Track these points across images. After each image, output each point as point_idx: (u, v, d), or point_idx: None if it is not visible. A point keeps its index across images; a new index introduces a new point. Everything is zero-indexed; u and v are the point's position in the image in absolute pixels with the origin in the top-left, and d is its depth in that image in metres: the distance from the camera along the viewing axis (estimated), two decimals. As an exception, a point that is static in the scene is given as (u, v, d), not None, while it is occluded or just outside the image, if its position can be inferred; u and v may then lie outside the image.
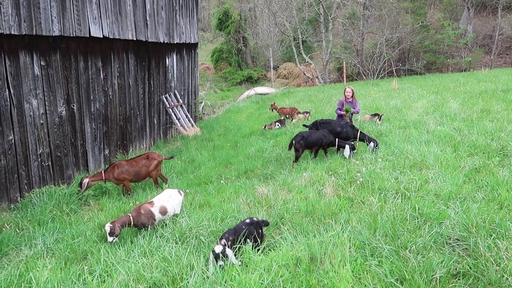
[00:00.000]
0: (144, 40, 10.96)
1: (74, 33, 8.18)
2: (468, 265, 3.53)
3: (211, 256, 3.78)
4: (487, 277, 3.31)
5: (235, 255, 3.95)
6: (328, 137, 7.72)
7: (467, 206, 4.64)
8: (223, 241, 3.97)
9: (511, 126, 8.24)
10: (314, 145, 7.76)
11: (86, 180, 7.08)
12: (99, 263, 4.33)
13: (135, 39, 10.47)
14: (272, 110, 14.35)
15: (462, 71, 28.78)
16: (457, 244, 3.93)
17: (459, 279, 3.42)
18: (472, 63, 29.73)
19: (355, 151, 7.45)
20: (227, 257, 3.75)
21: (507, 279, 3.23)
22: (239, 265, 3.73)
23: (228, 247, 3.91)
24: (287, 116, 13.03)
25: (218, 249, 3.74)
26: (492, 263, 3.43)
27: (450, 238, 4.06)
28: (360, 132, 8.03)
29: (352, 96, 9.21)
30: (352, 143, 7.58)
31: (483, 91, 13.78)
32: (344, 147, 7.47)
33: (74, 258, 4.83)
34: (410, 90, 16.71)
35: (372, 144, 7.62)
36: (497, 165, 6.18)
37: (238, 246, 4.03)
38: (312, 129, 8.41)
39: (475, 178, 5.71)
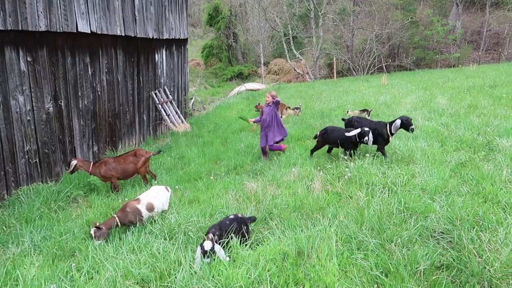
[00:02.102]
0: (133, 35, 10.87)
1: (61, 29, 8.08)
2: (451, 257, 3.59)
3: (199, 250, 3.80)
4: (470, 269, 3.37)
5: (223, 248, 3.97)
6: (349, 138, 6.89)
7: (452, 200, 4.71)
8: (210, 235, 3.98)
9: (497, 121, 8.37)
10: (333, 142, 7.18)
11: (74, 162, 7.08)
12: (87, 260, 4.33)
13: (123, 34, 10.39)
14: (258, 111, 13.76)
15: (450, 67, 29.05)
16: (441, 237, 4.00)
17: (442, 271, 3.49)
18: (460, 59, 30.02)
19: (366, 139, 6.59)
20: (215, 253, 3.77)
21: (489, 270, 3.30)
22: (228, 261, 3.75)
23: (216, 243, 3.92)
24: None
25: (207, 245, 3.74)
26: (475, 255, 3.50)
27: (435, 231, 4.12)
28: (389, 123, 6.98)
29: (273, 103, 8.04)
30: (366, 128, 6.70)
31: (470, 87, 13.95)
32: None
33: (61, 255, 4.82)
34: (399, 86, 16.84)
35: (398, 121, 6.69)
36: (482, 159, 6.28)
37: (224, 241, 4.05)
38: (347, 125, 7.86)
39: (461, 172, 5.80)
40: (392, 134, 6.88)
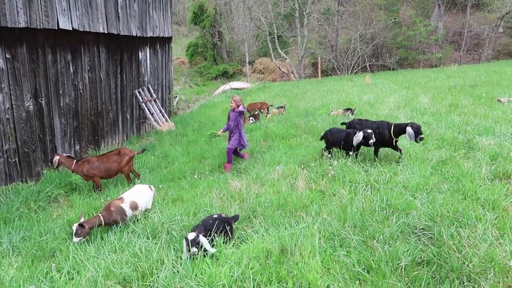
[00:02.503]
0: (116, 33, 10.73)
1: (41, 25, 7.92)
2: (432, 253, 3.65)
3: (184, 243, 3.81)
4: (449, 264, 3.43)
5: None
6: (351, 138, 6.58)
7: (433, 197, 4.78)
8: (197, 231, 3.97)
9: (477, 120, 8.54)
10: (337, 143, 6.90)
11: (56, 157, 6.99)
12: (67, 260, 4.26)
13: (106, 32, 10.24)
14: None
15: (432, 67, 29.53)
16: (422, 234, 4.06)
17: (423, 267, 3.54)
18: (442, 59, 30.55)
19: (371, 141, 6.24)
20: (201, 246, 3.75)
21: (467, 265, 3.37)
22: (212, 256, 3.74)
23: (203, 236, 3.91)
24: (261, 110, 13.03)
25: (191, 236, 3.76)
26: (454, 251, 3.56)
27: (416, 228, 4.18)
28: (394, 124, 6.57)
29: (238, 112, 7.82)
30: (369, 131, 6.33)
31: (452, 86, 14.21)
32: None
33: (41, 256, 4.72)
34: (382, 85, 17.03)
35: (409, 129, 6.13)
36: (462, 157, 6.39)
37: (208, 239, 4.03)
38: (348, 127, 7.46)
39: (441, 170, 5.89)
40: (396, 137, 6.41)
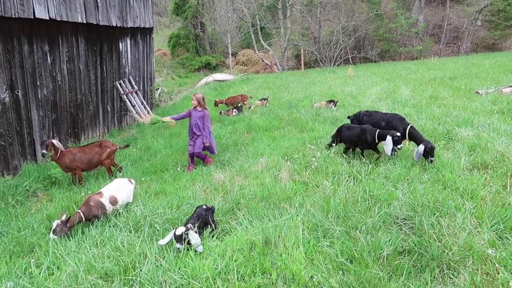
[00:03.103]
0: (95, 23, 10.46)
1: (16, 14, 7.65)
2: (413, 242, 3.71)
3: (170, 234, 3.83)
4: (430, 253, 3.50)
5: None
6: (365, 136, 6.12)
7: (414, 187, 4.86)
8: (189, 225, 3.94)
9: (456, 111, 8.70)
10: (349, 141, 6.46)
11: (49, 141, 6.77)
12: (47, 255, 4.17)
13: (85, 22, 9.97)
14: (217, 106, 13.24)
15: (413, 59, 29.90)
16: (404, 223, 4.13)
17: (404, 256, 3.60)
18: (422, 51, 30.96)
19: (400, 146, 5.73)
20: (187, 242, 3.72)
21: (447, 254, 3.44)
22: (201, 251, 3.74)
23: (196, 233, 3.89)
24: (244, 102, 12.96)
25: (179, 231, 3.75)
26: (435, 240, 3.63)
27: (398, 218, 4.25)
28: (411, 127, 6.18)
29: (199, 105, 7.41)
30: (398, 134, 5.74)
31: (432, 79, 14.43)
32: (385, 139, 5.86)
33: (20, 252, 4.62)
34: (364, 77, 17.17)
35: (421, 148, 5.63)
36: (442, 148, 6.51)
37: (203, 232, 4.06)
38: (353, 121, 7.15)
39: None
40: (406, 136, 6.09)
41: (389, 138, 5.73)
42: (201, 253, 3.75)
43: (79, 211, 4.92)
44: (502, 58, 20.37)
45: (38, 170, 7.63)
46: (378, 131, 6.02)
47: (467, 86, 11.98)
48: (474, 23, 31.49)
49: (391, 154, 5.91)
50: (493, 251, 3.38)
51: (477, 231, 3.78)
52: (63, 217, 4.72)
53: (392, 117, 6.59)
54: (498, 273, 3.16)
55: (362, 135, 6.16)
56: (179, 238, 3.71)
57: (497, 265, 3.23)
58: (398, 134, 5.75)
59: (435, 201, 4.40)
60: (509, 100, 9.20)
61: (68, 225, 4.69)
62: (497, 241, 3.61)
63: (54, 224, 4.64)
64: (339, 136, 6.61)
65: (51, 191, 6.92)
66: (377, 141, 6.06)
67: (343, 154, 6.52)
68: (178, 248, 3.73)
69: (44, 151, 6.65)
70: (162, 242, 3.80)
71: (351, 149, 6.71)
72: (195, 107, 7.43)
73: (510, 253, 3.37)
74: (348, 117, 7.56)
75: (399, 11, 31.18)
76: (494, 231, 3.78)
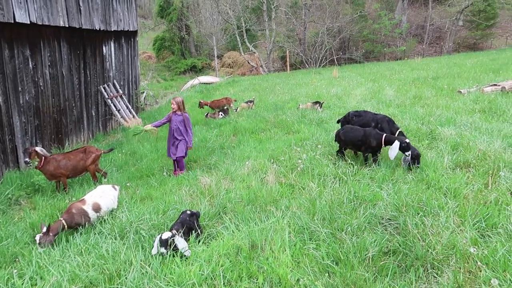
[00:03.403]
0: (77, 27, 10.34)
1: (-5, 19, 7.52)
2: (398, 242, 3.75)
3: (157, 240, 3.80)
4: (414, 253, 3.54)
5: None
6: (369, 140, 5.85)
7: (398, 187, 4.91)
8: (174, 231, 3.92)
9: (439, 111, 8.83)
10: (351, 144, 6.18)
11: (32, 149, 6.61)
12: (30, 265, 4.09)
13: (67, 25, 9.85)
14: (202, 107, 13.05)
15: (397, 59, 30.32)
16: (389, 224, 4.17)
17: (389, 256, 3.63)
18: (406, 52, 31.43)
19: (408, 153, 5.47)
20: (171, 247, 3.70)
21: (431, 253, 3.48)
22: (182, 255, 3.71)
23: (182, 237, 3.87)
24: (230, 105, 12.88)
25: (165, 235, 3.73)
26: (419, 239, 3.67)
27: (383, 218, 4.28)
28: (400, 131, 6.17)
29: (179, 109, 7.32)
30: (407, 140, 5.49)
31: (415, 79, 14.64)
32: (392, 144, 5.61)
33: (2, 262, 4.51)
34: (349, 78, 17.32)
35: (395, 144, 5.51)
36: (426, 147, 6.60)
37: (188, 238, 4.04)
38: (343, 123, 6.95)
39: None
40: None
41: (396, 143, 5.51)
42: (187, 258, 3.73)
43: (61, 219, 4.85)
44: (483, 58, 20.79)
45: (21, 177, 7.49)
46: (385, 136, 5.79)
47: (450, 85, 12.18)
48: (456, 23, 32.08)
49: (403, 165, 5.65)
50: (475, 249, 3.44)
51: (460, 230, 3.84)
52: (44, 229, 4.63)
53: (382, 119, 6.54)
54: (480, 271, 3.21)
55: (366, 139, 5.88)
56: (164, 243, 3.69)
57: (479, 263, 3.29)
58: (407, 140, 5.52)
59: (419, 200, 4.45)
60: (490, 99, 9.38)
61: (51, 234, 4.61)
62: (479, 239, 3.67)
63: (37, 238, 4.56)
64: (342, 139, 6.26)
65: (34, 198, 6.79)
66: (383, 146, 5.82)
67: (330, 156, 6.55)
68: (162, 253, 3.70)
69: (27, 159, 6.52)
70: (154, 251, 3.78)
71: (354, 152, 6.51)
72: (175, 111, 7.31)
73: (492, 251, 3.43)
74: (338, 121, 7.40)
75: (383, 12, 31.60)
76: (476, 229, 3.84)
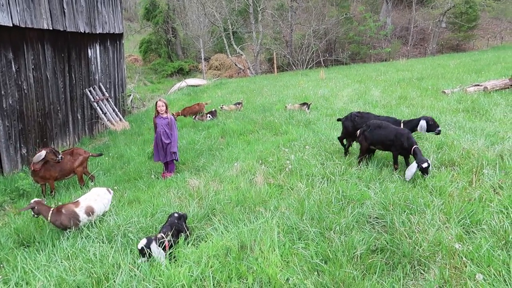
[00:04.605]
0: (62, 29, 10.23)
1: (-23, 22, 7.40)
2: (385, 240, 3.80)
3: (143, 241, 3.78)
4: (401, 250, 3.59)
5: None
6: (401, 140, 5.35)
7: (385, 186, 4.97)
8: (160, 235, 3.90)
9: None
10: (379, 143, 5.72)
11: (43, 152, 6.54)
12: (15, 270, 4.03)
13: (51, 28, 9.74)
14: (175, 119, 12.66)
15: (383, 61, 30.70)
16: (376, 222, 4.22)
17: (377, 254, 3.67)
18: (391, 53, 31.84)
19: (428, 166, 4.98)
20: (149, 254, 3.68)
21: (418, 250, 3.54)
22: (167, 263, 3.68)
23: (169, 241, 3.84)
24: (199, 113, 12.49)
25: (140, 244, 3.70)
26: (406, 237, 3.73)
27: (371, 217, 4.33)
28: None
29: (167, 109, 7.31)
30: (425, 166, 4.94)
31: (401, 80, 14.84)
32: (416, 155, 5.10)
33: (-14, 269, 4.43)
34: (336, 80, 17.47)
35: (414, 166, 4.98)
36: (411, 147, 6.68)
37: (176, 240, 4.03)
38: (345, 123, 6.60)
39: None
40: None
41: (414, 165, 5.01)
42: (176, 260, 3.71)
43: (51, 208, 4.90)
44: (466, 59, 21.18)
45: (5, 182, 7.37)
46: (415, 148, 5.22)
47: (434, 86, 12.38)
48: (439, 25, 32.65)
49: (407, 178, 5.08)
50: (460, 245, 3.50)
51: (446, 227, 3.91)
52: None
53: (385, 120, 6.18)
54: (466, 267, 3.28)
55: (397, 139, 5.40)
56: (140, 252, 3.66)
57: (464, 258, 3.35)
58: (425, 165, 4.93)
59: (405, 199, 4.52)
60: (473, 99, 9.56)
61: (42, 209, 4.84)
62: (464, 236, 3.74)
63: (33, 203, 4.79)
64: (366, 137, 5.79)
65: (18, 203, 6.68)
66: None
67: (318, 156, 6.59)
68: (142, 261, 3.68)
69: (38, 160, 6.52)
70: (139, 260, 3.76)
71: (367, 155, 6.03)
72: (160, 113, 7.20)
73: (476, 246, 3.50)
74: (338, 120, 7.14)
75: (368, 14, 31.99)
76: (461, 226, 3.92)
